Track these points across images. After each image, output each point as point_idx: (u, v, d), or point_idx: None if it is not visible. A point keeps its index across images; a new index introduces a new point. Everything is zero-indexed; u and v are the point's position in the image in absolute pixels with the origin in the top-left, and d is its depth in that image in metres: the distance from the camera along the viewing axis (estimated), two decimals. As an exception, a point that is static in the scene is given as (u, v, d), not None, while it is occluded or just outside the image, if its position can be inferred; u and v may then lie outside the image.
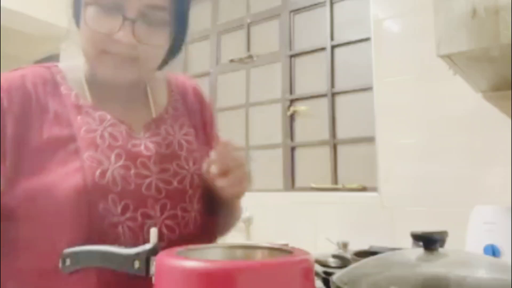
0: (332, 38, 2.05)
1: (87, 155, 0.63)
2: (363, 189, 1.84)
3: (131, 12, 0.64)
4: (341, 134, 1.98)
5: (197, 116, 0.83)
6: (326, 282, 0.64)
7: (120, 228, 0.62)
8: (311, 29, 2.14)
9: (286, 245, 0.53)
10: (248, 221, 2.05)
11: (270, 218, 1.99)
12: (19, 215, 0.62)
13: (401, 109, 1.67)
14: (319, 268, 0.80)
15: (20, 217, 0.62)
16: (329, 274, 0.61)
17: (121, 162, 0.65)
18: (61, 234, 0.60)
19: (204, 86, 2.53)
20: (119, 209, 0.62)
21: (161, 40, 0.69)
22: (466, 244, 1.23)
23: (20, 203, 0.61)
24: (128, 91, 0.75)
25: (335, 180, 1.96)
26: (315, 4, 2.12)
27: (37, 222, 0.62)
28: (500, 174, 1.42)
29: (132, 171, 0.66)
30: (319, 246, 1.67)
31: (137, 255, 0.47)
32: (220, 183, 0.67)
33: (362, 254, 1.08)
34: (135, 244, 0.50)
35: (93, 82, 0.72)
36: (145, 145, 0.70)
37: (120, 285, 0.58)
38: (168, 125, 0.77)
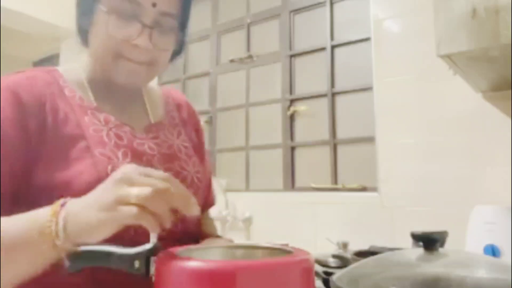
0: (332, 38, 2.05)
1: (98, 151, 0.66)
2: (363, 189, 1.84)
3: (147, 19, 0.68)
4: (341, 134, 1.98)
5: (191, 130, 0.87)
6: (326, 282, 0.64)
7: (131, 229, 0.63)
8: (311, 29, 2.14)
9: (286, 245, 0.53)
10: (248, 221, 2.05)
11: (270, 218, 1.99)
12: (35, 207, 0.63)
13: (401, 109, 1.67)
14: (319, 268, 0.80)
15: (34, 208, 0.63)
16: (329, 274, 0.61)
17: (128, 159, 0.68)
18: None
19: (204, 86, 2.53)
20: None
21: (171, 46, 0.74)
22: (466, 244, 1.23)
23: (37, 196, 0.62)
24: (127, 96, 0.78)
25: (335, 180, 1.96)
26: (315, 4, 2.12)
27: None
28: (500, 174, 1.42)
29: None
30: (319, 246, 1.67)
31: (137, 255, 0.47)
32: None
33: (362, 254, 1.08)
34: (139, 238, 0.51)
35: (94, 85, 0.75)
36: (148, 145, 0.73)
37: (119, 285, 0.58)
38: (167, 130, 0.80)
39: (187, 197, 0.49)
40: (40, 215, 0.52)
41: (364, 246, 1.35)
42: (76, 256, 0.50)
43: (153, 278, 0.45)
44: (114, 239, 0.49)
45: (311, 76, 2.12)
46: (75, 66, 0.77)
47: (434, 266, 0.52)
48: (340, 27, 2.04)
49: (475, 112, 1.50)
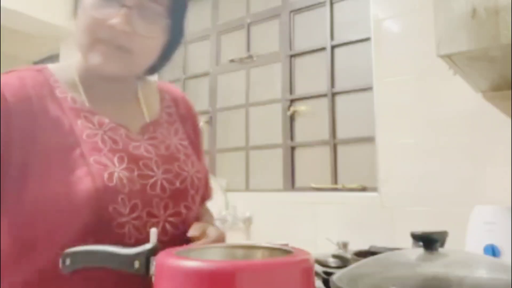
0: (332, 38, 2.05)
1: (93, 159, 0.64)
2: (363, 189, 1.84)
3: (129, 2, 0.65)
4: (341, 134, 1.98)
5: (189, 125, 0.85)
6: (326, 282, 0.64)
7: (126, 228, 0.62)
8: (311, 29, 2.14)
9: (286, 245, 0.53)
10: (248, 221, 2.05)
11: (270, 218, 1.98)
12: (26, 218, 0.62)
13: (401, 109, 1.67)
14: (319, 268, 0.80)
15: (28, 221, 0.62)
16: (329, 274, 0.61)
17: (124, 165, 0.66)
18: (68, 237, 0.60)
19: (204, 86, 2.53)
20: (127, 210, 0.63)
21: (156, 33, 0.69)
22: (466, 244, 1.23)
23: (29, 207, 0.61)
24: (120, 92, 0.75)
25: (335, 180, 1.96)
26: (315, 4, 2.12)
27: (45, 225, 0.61)
28: (500, 174, 1.41)
29: (136, 173, 0.67)
30: (319, 246, 1.67)
31: (137, 255, 0.47)
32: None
33: (362, 254, 1.08)
34: (139, 242, 0.51)
35: (86, 81, 0.72)
36: (145, 147, 0.71)
37: (119, 285, 0.58)
38: (164, 128, 0.77)
39: None
40: None
41: (364, 246, 1.35)
42: (76, 256, 0.50)
43: (153, 278, 0.45)
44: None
45: (311, 76, 2.12)
46: (68, 63, 0.74)
47: (434, 266, 0.52)
48: (340, 27, 2.04)
49: (475, 112, 1.50)
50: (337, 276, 0.55)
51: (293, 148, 2.13)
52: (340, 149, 1.98)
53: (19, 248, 0.63)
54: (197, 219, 0.78)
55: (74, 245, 0.54)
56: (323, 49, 2.07)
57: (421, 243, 0.55)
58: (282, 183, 2.12)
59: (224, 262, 0.45)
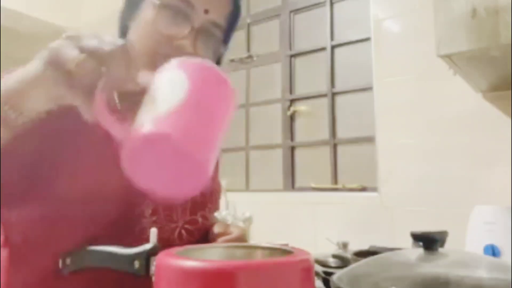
0: (332, 38, 2.05)
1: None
2: (363, 189, 1.84)
3: (197, 24, 0.66)
4: (341, 134, 1.98)
5: None
6: (326, 282, 0.64)
7: (147, 232, 0.63)
8: (311, 29, 2.14)
9: (286, 245, 0.53)
10: (248, 221, 2.05)
11: (270, 218, 1.98)
12: (52, 214, 0.62)
13: (401, 109, 1.67)
14: (319, 268, 0.80)
15: (54, 218, 0.62)
16: (329, 274, 0.61)
17: None
18: (95, 237, 0.59)
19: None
20: (149, 211, 0.64)
21: (210, 56, 0.70)
22: (466, 244, 1.23)
23: (59, 204, 0.61)
24: None
25: (335, 180, 1.96)
26: (315, 4, 2.12)
27: (71, 224, 0.61)
28: (500, 174, 1.42)
29: None
30: (319, 246, 1.67)
31: (137, 255, 0.47)
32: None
33: (362, 254, 1.08)
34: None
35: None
36: None
37: (120, 285, 0.58)
38: None
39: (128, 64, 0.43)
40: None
41: (364, 246, 1.35)
42: (76, 256, 0.50)
43: (153, 278, 0.45)
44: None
45: (311, 76, 2.12)
46: None
47: (434, 266, 0.52)
48: (340, 27, 2.04)
49: (475, 112, 1.50)
50: (337, 276, 0.55)
51: (293, 148, 2.13)
52: (340, 149, 1.98)
53: (30, 246, 0.63)
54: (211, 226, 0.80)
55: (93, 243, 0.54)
56: (323, 49, 2.07)
57: (421, 243, 0.55)
58: (282, 183, 2.12)
59: (224, 262, 0.45)
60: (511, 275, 0.47)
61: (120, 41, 0.42)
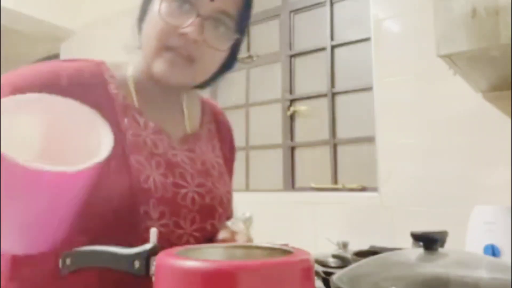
0: (332, 38, 2.05)
1: (133, 158, 0.64)
2: (363, 189, 1.84)
3: (203, 12, 0.65)
4: (341, 134, 1.98)
5: (227, 145, 0.85)
6: (326, 282, 0.64)
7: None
8: (311, 29, 2.14)
9: (286, 245, 0.52)
10: (248, 221, 2.05)
11: (270, 218, 1.98)
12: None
13: (401, 109, 1.67)
14: (319, 268, 0.80)
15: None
16: (329, 274, 0.61)
17: (161, 170, 0.66)
18: (101, 235, 0.59)
19: (204, 86, 2.53)
20: (157, 214, 0.64)
21: (223, 46, 0.69)
22: (466, 244, 1.23)
23: None
24: (168, 99, 0.75)
25: (335, 180, 1.96)
26: (315, 4, 2.12)
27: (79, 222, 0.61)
28: (500, 174, 1.42)
29: (170, 180, 0.67)
30: (319, 246, 1.67)
31: (137, 255, 0.47)
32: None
33: (362, 254, 1.08)
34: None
35: (139, 83, 0.72)
36: (182, 158, 0.71)
37: (120, 285, 0.58)
38: (203, 143, 0.77)
39: None
40: None
41: (364, 246, 1.35)
42: (76, 256, 0.50)
43: (153, 278, 0.45)
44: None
45: (311, 76, 2.12)
46: (125, 61, 0.74)
47: (434, 266, 0.52)
48: (340, 27, 2.04)
49: (475, 112, 1.50)
50: (337, 276, 0.55)
51: (293, 148, 2.13)
52: (340, 149, 1.98)
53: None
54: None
55: (103, 244, 0.54)
56: (323, 49, 2.07)
57: (421, 243, 0.55)
58: (282, 183, 2.12)
59: (224, 262, 0.45)
60: (511, 275, 0.47)
61: None
